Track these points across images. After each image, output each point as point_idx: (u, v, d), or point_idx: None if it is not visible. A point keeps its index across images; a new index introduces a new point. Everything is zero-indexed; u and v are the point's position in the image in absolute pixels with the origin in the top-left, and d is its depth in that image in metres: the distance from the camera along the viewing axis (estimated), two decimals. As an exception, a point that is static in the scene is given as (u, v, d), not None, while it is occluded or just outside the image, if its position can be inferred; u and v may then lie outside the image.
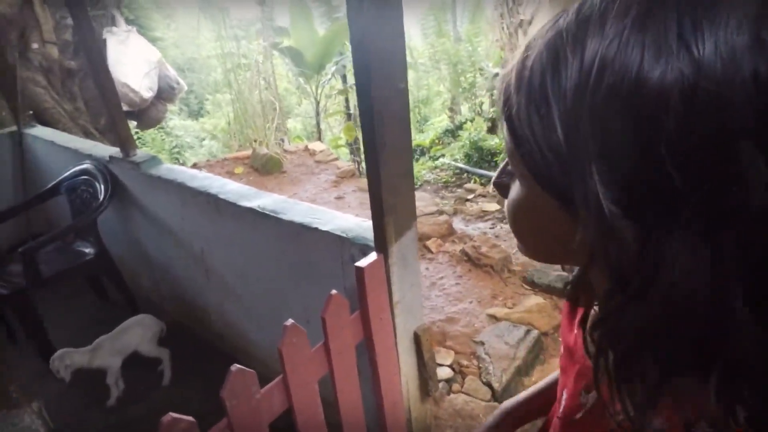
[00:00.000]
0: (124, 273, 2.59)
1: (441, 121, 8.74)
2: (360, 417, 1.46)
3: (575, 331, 0.53)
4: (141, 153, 2.32)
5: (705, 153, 0.27)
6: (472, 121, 7.00)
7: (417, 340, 1.60)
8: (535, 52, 0.33)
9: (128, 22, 5.08)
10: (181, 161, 7.99)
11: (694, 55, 0.26)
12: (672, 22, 0.27)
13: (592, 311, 0.48)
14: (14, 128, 3.23)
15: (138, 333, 2.18)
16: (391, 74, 1.23)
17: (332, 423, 1.38)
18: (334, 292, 1.29)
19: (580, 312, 0.54)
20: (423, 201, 4.39)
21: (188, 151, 9.13)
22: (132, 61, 4.60)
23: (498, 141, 5.60)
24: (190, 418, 0.97)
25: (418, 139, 7.58)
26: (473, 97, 7.46)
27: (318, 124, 7.63)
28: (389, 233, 1.40)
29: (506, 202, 0.44)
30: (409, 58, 8.74)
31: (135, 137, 6.89)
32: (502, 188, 0.44)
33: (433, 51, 7.86)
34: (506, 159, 0.43)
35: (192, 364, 2.27)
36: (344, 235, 1.51)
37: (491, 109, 6.65)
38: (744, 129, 0.25)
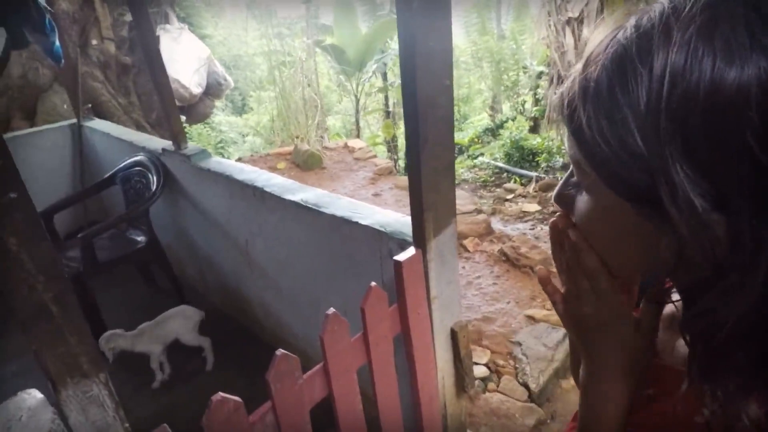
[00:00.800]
0: (171, 261, 2.71)
1: (480, 120, 8.63)
2: (396, 408, 1.47)
3: None
4: (191, 146, 2.42)
5: None
6: (513, 119, 6.88)
7: (454, 336, 1.60)
8: (598, 66, 0.35)
9: (180, 19, 5.30)
10: (225, 156, 8.26)
11: None
12: (740, 24, 0.29)
13: (670, 310, 0.48)
14: (74, 120, 3.43)
15: (178, 323, 2.26)
16: (437, 71, 1.24)
17: (369, 416, 1.40)
18: (373, 284, 1.31)
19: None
20: (461, 200, 4.36)
21: (231, 146, 9.42)
22: (183, 57, 4.80)
23: (540, 140, 5.48)
24: (237, 398, 1.02)
25: (456, 137, 7.50)
26: (515, 96, 7.32)
27: (357, 121, 7.70)
28: (428, 229, 1.41)
29: (576, 216, 0.43)
30: (450, 56, 8.67)
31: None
32: (566, 201, 0.44)
33: (475, 49, 7.76)
34: (569, 171, 0.44)
35: (233, 351, 2.35)
36: (383, 229, 1.53)
37: (534, 108, 6.50)
38: None
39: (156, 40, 2.38)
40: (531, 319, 2.56)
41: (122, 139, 2.93)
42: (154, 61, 2.30)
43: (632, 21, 0.34)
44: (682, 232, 0.32)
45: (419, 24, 1.14)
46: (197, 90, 4.77)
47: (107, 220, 2.58)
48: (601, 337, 0.47)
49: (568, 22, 4.18)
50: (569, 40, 4.16)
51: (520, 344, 2.32)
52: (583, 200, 0.41)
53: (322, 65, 8.37)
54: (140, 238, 2.63)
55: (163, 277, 2.72)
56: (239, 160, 5.28)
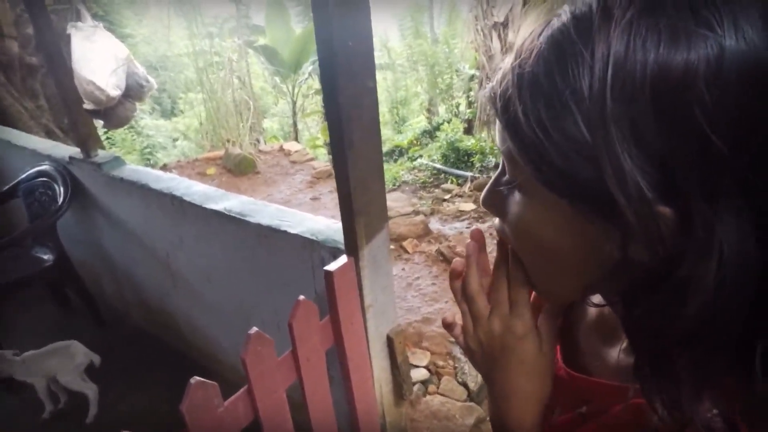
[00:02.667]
0: (85, 279, 2.49)
1: (419, 122, 8.74)
2: (332, 424, 1.42)
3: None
4: (103, 153, 2.23)
5: (744, 118, 0.27)
6: (449, 122, 7.02)
7: (390, 343, 1.56)
8: (533, 54, 0.33)
9: (97, 17, 4.91)
10: (152, 162, 7.78)
11: (717, 30, 0.27)
12: (683, 3, 0.28)
13: (591, 320, 0.47)
14: (-32, 127, 3.07)
15: (59, 361, 1.99)
16: (359, 72, 1.19)
17: (304, 426, 1.33)
18: (301, 297, 1.24)
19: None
20: (400, 201, 4.38)
21: (160, 152, 8.88)
22: (98, 57, 4.44)
23: (474, 141, 5.62)
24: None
25: (396, 139, 7.57)
26: (450, 99, 7.48)
27: (295, 123, 7.55)
28: (360, 235, 1.36)
29: (508, 219, 0.40)
30: (387, 59, 8.73)
31: (104, 137, 6.64)
32: (496, 203, 0.41)
33: (410, 52, 7.87)
34: (498, 172, 0.41)
35: (158, 373, 2.18)
36: (314, 237, 1.47)
37: (467, 110, 6.69)
38: None
39: (59, 38, 2.16)
40: (469, 318, 2.59)
41: (24, 146, 2.65)
42: (55, 60, 2.09)
43: (566, 7, 0.33)
44: (629, 222, 0.29)
45: (337, 24, 1.09)
46: (115, 92, 4.43)
47: (7, 237, 2.30)
48: (507, 360, 0.44)
49: (495, 26, 4.32)
50: (496, 44, 4.30)
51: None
52: (515, 201, 0.38)
53: (256, 66, 8.12)
54: (47, 256, 2.38)
55: (76, 297, 2.48)
56: (165, 166, 4.97)
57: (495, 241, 0.46)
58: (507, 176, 0.39)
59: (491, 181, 0.41)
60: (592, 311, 0.48)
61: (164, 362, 2.25)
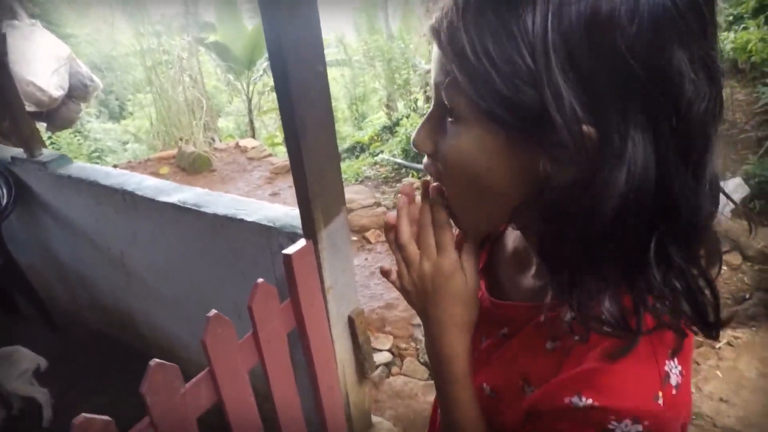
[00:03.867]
0: (35, 283, 2.39)
1: (379, 118, 8.77)
2: (296, 405, 1.44)
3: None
4: (48, 152, 2.15)
5: (654, 46, 0.33)
6: (408, 117, 7.10)
7: (351, 323, 1.60)
8: None
9: (34, 16, 4.66)
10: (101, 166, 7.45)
11: None
12: None
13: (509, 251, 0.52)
14: None
15: (1, 368, 1.91)
16: (308, 57, 1.22)
17: (270, 414, 1.35)
18: (260, 280, 1.26)
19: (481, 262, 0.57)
20: (362, 194, 4.42)
21: (110, 156, 8.52)
22: (38, 57, 4.22)
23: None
24: (105, 417, 0.92)
25: (357, 136, 7.59)
26: (408, 94, 7.55)
27: (251, 121, 7.43)
28: (317, 219, 1.39)
29: (443, 152, 0.43)
30: (343, 55, 8.72)
31: (48, 141, 6.31)
32: (429, 136, 0.44)
33: (367, 48, 7.88)
34: (429, 112, 0.44)
35: (117, 373, 2.13)
36: (271, 224, 1.48)
37: (425, 106, 6.78)
38: (674, 37, 0.33)
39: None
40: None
41: (-40, 149, 2.51)
42: (-10, 56, 2.00)
43: None
44: (561, 141, 0.34)
45: (284, 9, 1.12)
46: (58, 92, 4.23)
47: (-55, 244, 2.19)
48: (439, 295, 0.49)
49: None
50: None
51: (420, 325, 2.40)
52: (451, 133, 0.41)
53: (208, 64, 7.93)
54: (-8, 262, 2.27)
55: (26, 303, 2.39)
56: (114, 168, 4.79)
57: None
58: (440, 111, 0.43)
59: (424, 119, 0.45)
60: (509, 247, 0.55)
61: (123, 362, 2.19)
